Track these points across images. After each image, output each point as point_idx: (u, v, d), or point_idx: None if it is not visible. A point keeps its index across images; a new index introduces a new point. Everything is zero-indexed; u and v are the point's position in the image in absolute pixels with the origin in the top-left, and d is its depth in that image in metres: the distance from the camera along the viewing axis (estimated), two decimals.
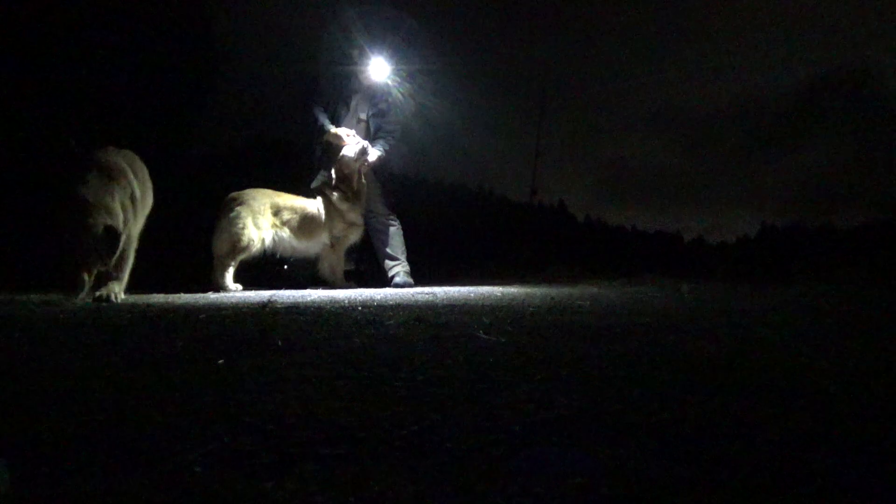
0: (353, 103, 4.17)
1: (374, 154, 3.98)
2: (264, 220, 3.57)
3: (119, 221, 2.55)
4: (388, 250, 4.22)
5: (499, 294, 3.05)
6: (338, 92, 4.11)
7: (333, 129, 3.94)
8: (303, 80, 4.27)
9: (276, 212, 3.64)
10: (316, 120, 3.97)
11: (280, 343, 1.35)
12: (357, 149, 3.85)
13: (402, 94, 4.28)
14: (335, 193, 3.83)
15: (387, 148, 4.07)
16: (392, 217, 4.24)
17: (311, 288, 3.78)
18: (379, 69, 4.13)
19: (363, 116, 4.19)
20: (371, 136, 4.14)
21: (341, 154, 3.87)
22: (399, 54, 4.18)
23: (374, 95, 4.18)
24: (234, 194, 3.62)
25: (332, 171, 3.89)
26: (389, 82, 4.19)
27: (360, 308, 2.18)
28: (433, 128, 4.73)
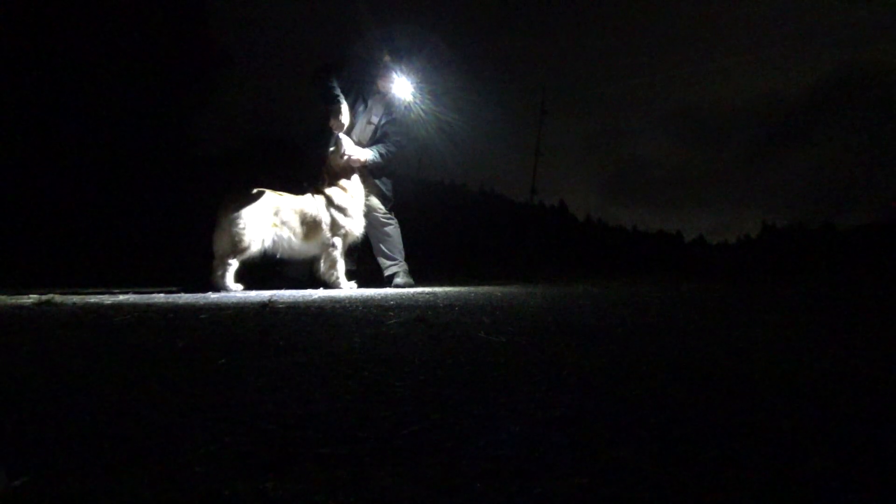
0: (370, 103, 4.18)
1: (365, 154, 3.99)
2: (264, 219, 3.57)
3: None
4: (386, 250, 4.22)
5: (499, 294, 3.05)
6: (358, 85, 4.12)
7: (344, 107, 3.94)
8: (326, 57, 4.27)
9: (276, 212, 3.64)
10: (332, 88, 3.96)
11: (280, 343, 1.35)
12: (336, 143, 3.90)
13: (424, 112, 4.33)
14: (335, 192, 3.84)
15: (382, 152, 4.08)
16: (390, 216, 4.24)
17: (311, 288, 3.78)
18: (402, 88, 4.19)
19: (374, 120, 4.20)
20: (375, 141, 4.16)
21: (330, 149, 3.93)
22: (423, 73, 4.23)
23: (390, 104, 4.22)
24: (234, 194, 3.61)
25: (324, 170, 3.91)
26: (411, 99, 4.23)
27: (360, 308, 2.17)
28: (453, 142, 4.78)
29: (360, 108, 4.15)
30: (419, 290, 3.63)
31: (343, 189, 3.87)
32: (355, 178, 3.96)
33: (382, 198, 4.22)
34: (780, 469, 0.58)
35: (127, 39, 6.74)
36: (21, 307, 2.27)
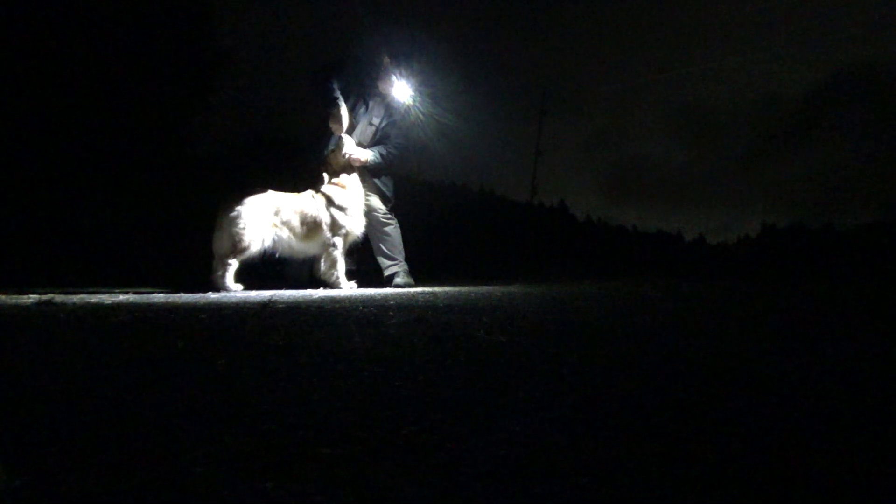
0: (371, 104, 4.19)
1: (366, 155, 4.00)
2: (264, 219, 3.56)
3: None
4: (386, 250, 4.22)
5: (499, 294, 3.05)
6: (358, 87, 4.13)
7: (343, 110, 3.94)
8: (326, 58, 4.28)
9: (276, 212, 3.64)
10: (332, 91, 3.96)
11: (280, 343, 1.35)
12: (338, 143, 3.92)
13: (423, 114, 4.35)
14: (335, 192, 3.84)
15: (384, 153, 4.09)
16: (390, 216, 4.24)
17: (311, 288, 3.77)
18: (401, 91, 4.21)
19: (375, 122, 4.21)
20: (375, 142, 4.17)
21: (330, 148, 3.95)
22: (422, 77, 4.25)
23: (390, 106, 4.23)
24: (234, 194, 3.61)
25: (324, 171, 3.92)
26: (410, 103, 4.26)
27: (360, 308, 2.17)
28: (451, 144, 4.79)
29: (361, 110, 4.15)
30: (419, 290, 3.63)
31: (343, 188, 3.87)
32: (355, 177, 3.97)
33: (383, 198, 4.22)
34: (780, 469, 0.58)
35: (126, 39, 6.74)
36: (21, 307, 2.27)
